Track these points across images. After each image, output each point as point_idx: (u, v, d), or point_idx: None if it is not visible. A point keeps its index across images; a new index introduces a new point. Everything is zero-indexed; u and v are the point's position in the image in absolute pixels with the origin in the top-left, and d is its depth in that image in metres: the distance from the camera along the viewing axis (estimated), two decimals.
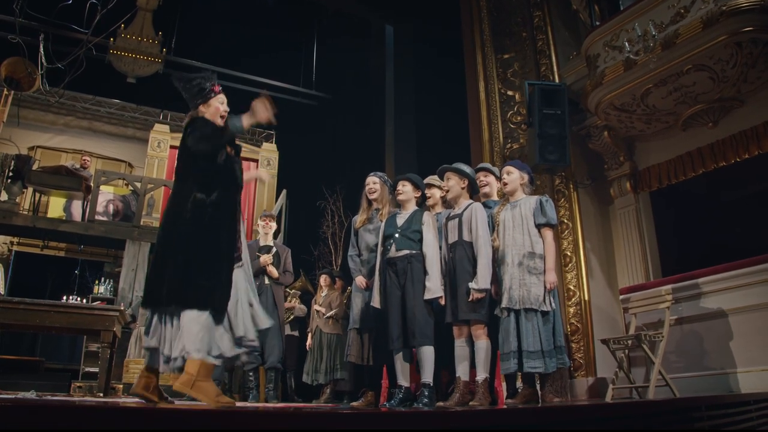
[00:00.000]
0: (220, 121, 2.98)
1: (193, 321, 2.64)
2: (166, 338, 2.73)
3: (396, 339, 3.61)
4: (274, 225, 5.76)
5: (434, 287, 3.59)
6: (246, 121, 2.93)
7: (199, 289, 2.67)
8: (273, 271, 5.40)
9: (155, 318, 2.82)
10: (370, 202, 4.27)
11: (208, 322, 2.66)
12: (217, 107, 3.02)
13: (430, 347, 3.54)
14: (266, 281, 5.42)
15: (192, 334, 2.62)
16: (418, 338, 3.51)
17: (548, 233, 3.71)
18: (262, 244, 5.61)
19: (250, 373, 5.35)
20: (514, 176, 3.90)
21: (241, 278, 2.93)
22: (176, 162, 2.99)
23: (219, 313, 2.72)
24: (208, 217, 2.78)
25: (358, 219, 4.31)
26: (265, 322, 2.93)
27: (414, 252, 3.70)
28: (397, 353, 3.67)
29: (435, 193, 4.32)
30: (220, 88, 3.08)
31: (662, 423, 2.29)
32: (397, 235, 3.77)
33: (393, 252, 3.76)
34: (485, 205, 3.93)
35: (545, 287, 3.57)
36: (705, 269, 5.03)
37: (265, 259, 5.38)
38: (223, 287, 2.74)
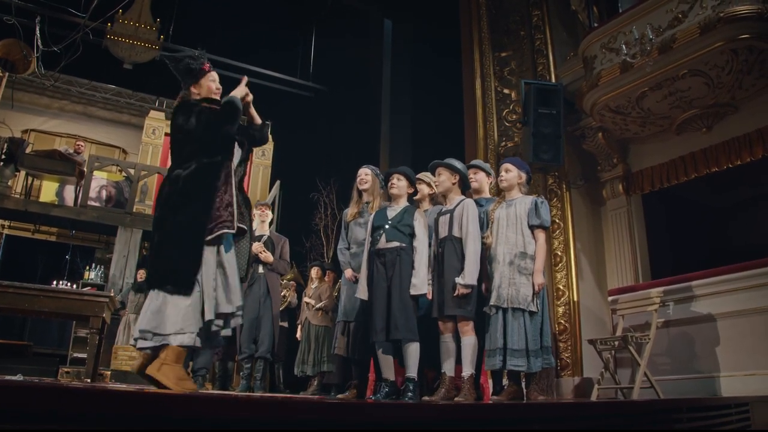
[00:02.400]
0: (213, 97, 2.98)
1: (167, 303, 2.66)
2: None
3: (379, 331, 3.58)
4: (269, 214, 5.75)
5: (419, 284, 3.59)
6: (237, 92, 2.96)
7: (163, 270, 2.68)
8: (268, 256, 5.36)
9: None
10: (360, 195, 4.27)
11: (178, 302, 2.65)
12: (209, 86, 2.99)
13: (415, 343, 3.54)
14: (260, 270, 5.40)
15: (168, 317, 2.64)
16: (401, 332, 3.50)
17: (541, 235, 3.72)
18: (257, 233, 5.60)
19: (245, 362, 5.36)
20: (512, 174, 3.90)
21: (223, 254, 2.83)
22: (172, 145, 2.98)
23: (183, 288, 2.66)
24: (178, 192, 2.75)
25: (349, 212, 4.31)
26: (224, 306, 2.81)
27: (404, 245, 3.69)
28: (380, 346, 3.66)
29: (423, 189, 4.28)
30: (210, 65, 3.03)
31: (643, 423, 2.31)
32: (387, 227, 3.74)
33: (383, 243, 3.72)
34: (476, 203, 3.93)
35: (533, 288, 3.59)
36: (693, 273, 5.07)
37: (257, 246, 5.36)
38: (187, 262, 2.68)
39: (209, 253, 2.76)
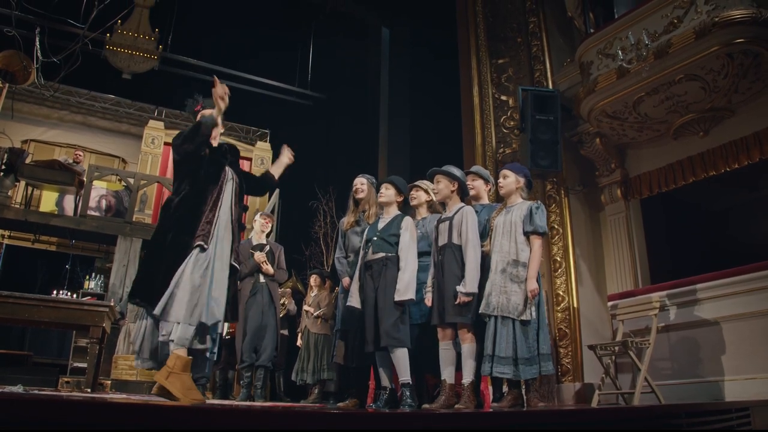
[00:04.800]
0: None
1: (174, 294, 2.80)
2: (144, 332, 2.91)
3: (370, 342, 3.64)
4: (270, 225, 5.90)
5: (403, 289, 3.59)
6: (215, 112, 3.12)
7: (145, 284, 2.86)
8: (269, 268, 5.46)
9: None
10: (357, 204, 4.29)
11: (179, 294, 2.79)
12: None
13: (401, 348, 3.54)
14: (261, 279, 5.48)
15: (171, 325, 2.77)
16: (384, 339, 3.54)
17: (536, 241, 3.68)
18: (255, 242, 5.66)
19: (245, 371, 5.37)
20: (510, 180, 3.88)
21: (201, 260, 2.93)
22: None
23: (149, 303, 2.82)
24: (170, 215, 2.98)
25: (346, 221, 4.33)
26: (211, 317, 2.90)
27: (390, 255, 3.73)
28: (378, 355, 3.71)
29: (420, 196, 4.23)
30: (201, 106, 3.32)
31: (643, 428, 2.31)
32: (375, 238, 3.81)
33: (371, 255, 3.80)
34: (474, 210, 3.92)
35: (526, 296, 3.57)
36: (693, 277, 5.08)
37: (259, 256, 5.42)
38: (160, 276, 2.82)
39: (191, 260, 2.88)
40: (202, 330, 2.87)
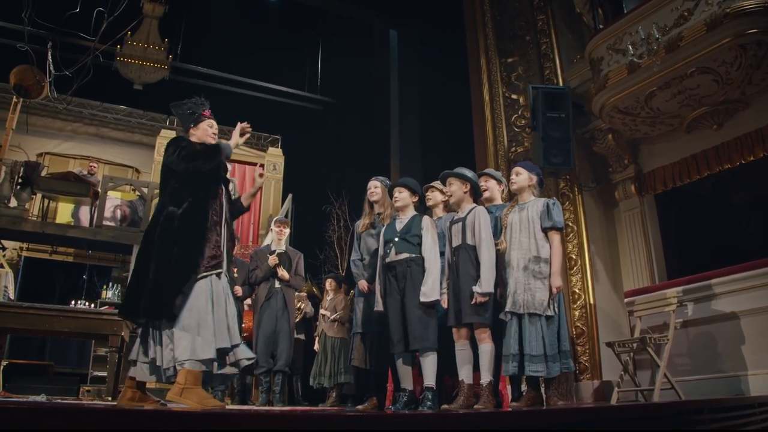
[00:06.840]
0: (209, 141, 3.18)
1: (177, 332, 2.75)
2: (153, 349, 2.83)
3: (396, 343, 3.65)
4: (287, 231, 5.85)
5: (429, 291, 3.61)
6: (232, 143, 3.24)
7: (166, 302, 2.76)
8: (284, 273, 5.45)
9: (142, 329, 2.93)
10: (372, 206, 4.31)
11: (186, 331, 2.75)
12: (205, 129, 3.21)
13: (432, 352, 3.57)
14: (276, 284, 5.47)
15: (179, 345, 2.73)
16: (418, 342, 3.55)
17: (555, 237, 3.69)
18: (273, 249, 5.67)
19: (263, 376, 5.39)
20: (523, 177, 3.90)
21: (219, 287, 2.94)
22: (160, 178, 3.14)
23: (170, 320, 2.77)
24: (174, 229, 2.90)
25: (361, 223, 4.35)
26: (229, 340, 2.90)
27: (413, 256, 3.74)
28: (399, 357, 3.71)
29: (436, 196, 4.33)
30: (210, 113, 3.29)
31: (664, 426, 2.29)
32: (396, 239, 3.82)
33: (392, 256, 3.80)
34: (488, 211, 3.93)
35: (550, 291, 3.57)
36: (710, 272, 5.03)
37: (273, 259, 5.43)
38: (181, 294, 2.78)
39: (204, 286, 2.87)
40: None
